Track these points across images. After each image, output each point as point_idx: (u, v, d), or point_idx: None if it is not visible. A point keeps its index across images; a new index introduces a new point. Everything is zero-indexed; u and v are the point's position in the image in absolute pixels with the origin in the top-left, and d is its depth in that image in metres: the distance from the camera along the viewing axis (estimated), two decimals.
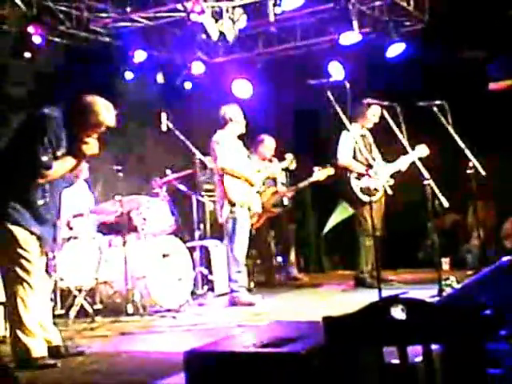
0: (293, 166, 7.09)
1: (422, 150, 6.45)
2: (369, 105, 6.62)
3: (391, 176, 6.76)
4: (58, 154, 3.98)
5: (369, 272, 6.70)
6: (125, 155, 7.13)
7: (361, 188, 6.66)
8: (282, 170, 7.38)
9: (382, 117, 5.79)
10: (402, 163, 6.73)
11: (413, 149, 6.35)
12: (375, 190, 6.64)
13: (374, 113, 6.71)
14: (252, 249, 7.14)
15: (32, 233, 3.94)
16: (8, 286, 3.98)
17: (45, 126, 3.94)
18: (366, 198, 6.61)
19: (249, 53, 8.85)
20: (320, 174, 7.42)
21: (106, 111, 4.10)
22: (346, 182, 6.77)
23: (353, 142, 6.65)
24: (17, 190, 3.95)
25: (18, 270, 3.90)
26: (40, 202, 3.96)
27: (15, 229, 3.90)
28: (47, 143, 3.91)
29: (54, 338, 4.15)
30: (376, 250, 5.57)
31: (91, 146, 4.10)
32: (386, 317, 1.97)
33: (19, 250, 3.90)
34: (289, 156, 7.02)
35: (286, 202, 8.04)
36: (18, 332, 3.90)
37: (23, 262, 3.90)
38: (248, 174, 6.28)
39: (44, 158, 3.88)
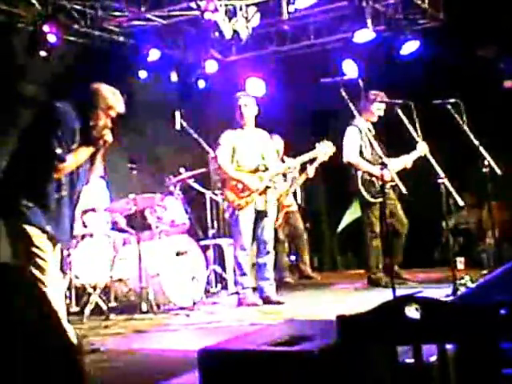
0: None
1: (424, 148, 6.26)
2: (373, 98, 6.57)
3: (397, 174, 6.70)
4: (72, 147, 4.00)
5: (381, 271, 6.66)
6: (139, 153, 7.15)
7: (366, 188, 6.60)
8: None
9: (396, 114, 5.74)
10: (407, 161, 6.68)
11: (415, 147, 6.32)
12: (381, 190, 6.54)
13: (378, 106, 6.65)
14: None
15: (44, 231, 3.96)
16: None
17: (57, 119, 3.96)
18: (370, 199, 6.57)
19: (262, 51, 8.85)
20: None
21: (113, 96, 4.14)
22: (351, 179, 6.72)
23: (358, 138, 6.60)
24: (30, 185, 3.95)
25: (33, 268, 3.92)
26: (55, 196, 3.98)
27: (28, 228, 3.92)
28: (61, 136, 3.92)
29: (69, 335, 4.17)
30: (391, 248, 5.55)
31: (105, 132, 4.10)
32: (400, 316, 1.96)
33: (33, 249, 3.92)
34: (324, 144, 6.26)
35: (298, 200, 8.02)
36: None
37: (38, 260, 3.92)
38: (246, 179, 6.06)
39: (58, 151, 3.90)
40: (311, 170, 7.48)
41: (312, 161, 7.01)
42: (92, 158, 4.14)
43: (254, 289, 6.22)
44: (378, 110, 6.66)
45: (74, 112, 4.01)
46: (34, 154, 3.96)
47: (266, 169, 6.14)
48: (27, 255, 3.92)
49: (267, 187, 6.13)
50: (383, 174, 5.22)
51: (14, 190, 3.96)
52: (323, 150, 6.38)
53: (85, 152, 4.07)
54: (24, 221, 3.91)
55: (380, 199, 6.42)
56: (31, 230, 3.92)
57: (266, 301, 6.03)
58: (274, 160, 6.30)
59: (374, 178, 6.51)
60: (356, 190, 6.64)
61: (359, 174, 6.61)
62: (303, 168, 7.69)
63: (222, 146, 6.15)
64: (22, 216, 3.91)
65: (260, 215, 6.12)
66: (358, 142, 6.61)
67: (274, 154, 6.41)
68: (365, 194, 6.58)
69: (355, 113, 5.50)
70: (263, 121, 6.51)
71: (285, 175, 7.73)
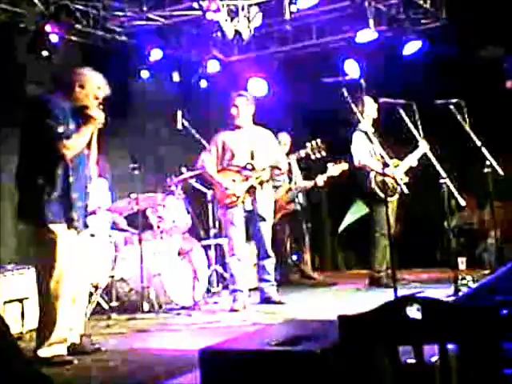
0: (314, 154, 6.41)
1: (425, 145, 6.32)
2: (362, 101, 6.59)
3: (405, 174, 6.74)
4: (71, 126, 4.07)
5: (385, 271, 6.68)
6: (140, 153, 7.15)
7: (380, 187, 6.62)
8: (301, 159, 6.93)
9: (398, 115, 5.74)
10: (412, 160, 6.72)
11: (416, 146, 6.37)
12: (394, 189, 6.60)
13: (369, 107, 6.68)
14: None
15: (70, 223, 4.00)
16: (44, 285, 4.01)
17: (46, 107, 4.04)
18: (385, 197, 6.60)
19: (264, 51, 8.84)
20: (334, 169, 7.34)
21: (96, 76, 4.23)
22: (364, 180, 6.73)
23: (366, 141, 6.63)
24: (44, 177, 4.00)
25: (57, 268, 3.94)
26: (66, 182, 4.04)
27: (55, 226, 3.97)
28: (55, 116, 4.00)
29: (72, 335, 4.18)
30: (391, 249, 5.55)
31: (96, 111, 4.15)
32: (401, 316, 1.96)
33: (60, 248, 3.95)
34: (312, 144, 6.36)
35: (301, 200, 8.01)
36: (48, 333, 3.94)
37: (63, 259, 3.95)
38: (225, 182, 5.99)
39: (60, 129, 3.98)
40: (321, 180, 7.48)
41: (323, 171, 7.35)
42: (88, 142, 4.19)
43: (255, 289, 6.22)
44: (369, 110, 6.69)
45: (60, 98, 4.10)
46: (41, 147, 4.01)
47: (253, 168, 6.02)
48: (53, 255, 3.95)
49: (252, 187, 5.98)
50: (385, 172, 5.25)
51: (33, 190, 4.00)
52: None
53: (86, 131, 4.12)
54: (51, 221, 3.97)
55: (394, 197, 6.59)
56: (58, 228, 3.99)
57: (268, 301, 6.03)
58: (265, 159, 6.07)
59: (385, 178, 6.54)
60: (371, 190, 6.66)
61: (372, 174, 6.65)
62: (308, 176, 7.72)
63: (208, 148, 6.16)
64: (47, 217, 3.97)
65: (252, 216, 6.01)
66: (366, 145, 6.66)
67: (270, 153, 6.14)
68: (380, 193, 6.61)
69: (358, 114, 5.49)
70: (265, 120, 6.50)
71: (290, 178, 7.77)
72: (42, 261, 4.07)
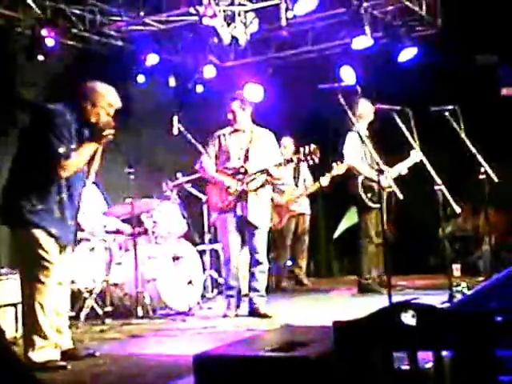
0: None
1: (418, 156, 6.37)
2: (357, 104, 6.59)
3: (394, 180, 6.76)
4: (73, 146, 4.01)
5: (373, 278, 6.69)
6: (136, 158, 7.14)
7: (365, 193, 6.62)
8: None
9: (393, 121, 5.73)
10: (402, 168, 6.75)
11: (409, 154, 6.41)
12: (379, 197, 6.55)
13: (365, 109, 6.66)
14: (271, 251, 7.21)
15: (50, 234, 3.97)
16: (26, 289, 3.99)
17: (53, 120, 3.98)
18: (370, 204, 6.60)
19: (260, 57, 8.86)
20: (339, 167, 7.24)
21: (110, 93, 4.17)
22: (351, 184, 6.74)
23: (359, 143, 6.62)
24: (34, 189, 3.97)
25: (38, 272, 3.92)
26: (57, 198, 3.99)
27: (36, 231, 3.94)
28: (60, 135, 3.95)
29: (66, 340, 4.17)
30: (385, 255, 5.56)
31: (108, 129, 4.10)
32: (396, 322, 1.96)
33: (40, 251, 3.93)
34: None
35: (306, 204, 8.00)
36: (34, 336, 3.92)
37: (43, 263, 3.93)
38: (227, 181, 5.78)
39: (61, 150, 3.92)
40: (325, 180, 7.42)
41: (328, 170, 7.23)
42: (91, 157, 4.15)
43: (246, 295, 6.08)
44: (363, 113, 6.69)
45: (68, 112, 4.03)
46: (37, 158, 3.98)
47: (246, 172, 5.80)
48: (34, 258, 3.93)
49: (244, 191, 5.77)
50: (380, 180, 5.22)
51: (18, 196, 3.97)
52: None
53: (88, 149, 4.08)
54: (31, 225, 3.93)
55: (378, 205, 6.45)
56: (38, 234, 3.94)
57: (255, 312, 5.78)
58: (260, 160, 5.83)
59: (373, 184, 6.53)
60: (355, 193, 6.67)
61: (360, 178, 6.65)
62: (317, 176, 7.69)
63: (206, 150, 6.03)
64: (28, 221, 3.93)
65: (244, 223, 5.80)
66: (358, 147, 6.65)
67: (266, 154, 5.90)
68: (364, 198, 6.61)
69: (353, 119, 5.50)
70: (260, 126, 6.49)
71: (296, 182, 7.79)
72: (23, 265, 4.06)
